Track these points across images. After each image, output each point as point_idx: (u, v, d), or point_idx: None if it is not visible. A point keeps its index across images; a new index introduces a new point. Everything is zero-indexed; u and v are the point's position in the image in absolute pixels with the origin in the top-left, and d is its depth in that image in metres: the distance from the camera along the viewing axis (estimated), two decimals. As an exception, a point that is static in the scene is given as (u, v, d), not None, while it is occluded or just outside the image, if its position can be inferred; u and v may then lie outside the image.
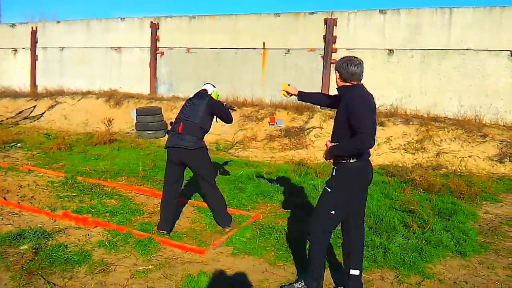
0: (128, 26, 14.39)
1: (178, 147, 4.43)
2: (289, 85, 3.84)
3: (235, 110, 5.42)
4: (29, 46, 16.35)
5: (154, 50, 13.86)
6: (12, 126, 12.21)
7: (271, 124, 10.58)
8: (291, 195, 5.83)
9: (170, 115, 11.59)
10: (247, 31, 12.66)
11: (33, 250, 3.96)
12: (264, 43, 12.38)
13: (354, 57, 3.19)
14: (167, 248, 4.14)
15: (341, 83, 3.20)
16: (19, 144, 9.12)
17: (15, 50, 16.78)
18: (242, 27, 12.72)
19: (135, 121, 10.78)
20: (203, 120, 4.56)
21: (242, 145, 9.73)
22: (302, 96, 3.78)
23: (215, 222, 4.75)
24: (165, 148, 4.65)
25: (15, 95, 15.30)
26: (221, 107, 4.86)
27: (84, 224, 4.71)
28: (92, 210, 5.22)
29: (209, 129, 4.72)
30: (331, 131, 3.29)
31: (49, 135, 10.29)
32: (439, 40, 10.38)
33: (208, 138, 10.35)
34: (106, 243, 4.17)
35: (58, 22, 15.87)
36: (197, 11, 45.71)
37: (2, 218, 4.92)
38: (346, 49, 10.95)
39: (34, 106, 14.30)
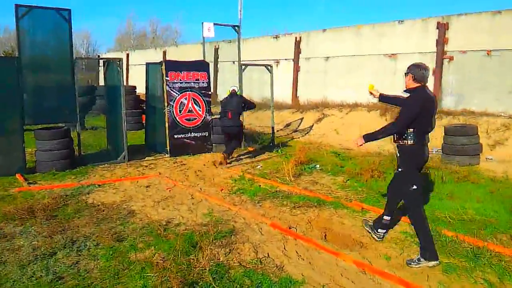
0: (407, 29, 12.57)
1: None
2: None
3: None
4: (292, 57, 16.31)
5: (441, 55, 11.66)
6: (289, 140, 11.82)
7: None
8: None
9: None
10: None
11: None
12: None
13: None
14: None
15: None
16: (317, 166, 8.15)
17: (277, 61, 16.98)
18: None
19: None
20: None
21: None
22: (383, 98, 4.75)
23: None
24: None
25: (278, 106, 15.29)
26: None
27: None
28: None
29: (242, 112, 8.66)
30: None
31: (338, 154, 9.15)
32: None
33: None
34: None
35: (324, 30, 15.24)
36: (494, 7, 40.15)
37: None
38: None
39: (302, 119, 13.90)
